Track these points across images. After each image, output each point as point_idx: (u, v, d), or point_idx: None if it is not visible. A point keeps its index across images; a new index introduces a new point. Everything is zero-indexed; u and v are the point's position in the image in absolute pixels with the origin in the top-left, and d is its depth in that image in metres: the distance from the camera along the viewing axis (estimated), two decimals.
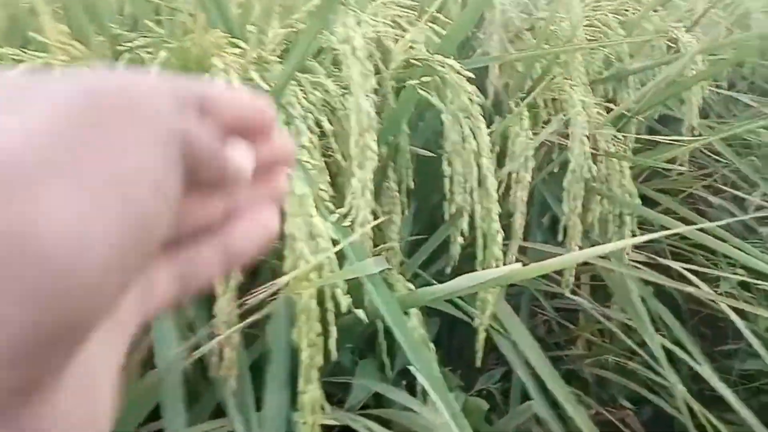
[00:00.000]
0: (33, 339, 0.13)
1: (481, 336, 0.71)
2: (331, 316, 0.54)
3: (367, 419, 0.63)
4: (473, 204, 0.68)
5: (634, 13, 1.16)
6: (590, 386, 0.96)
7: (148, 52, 0.60)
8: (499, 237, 0.69)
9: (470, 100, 0.62)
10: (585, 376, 0.96)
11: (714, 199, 1.39)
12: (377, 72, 0.71)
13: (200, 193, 0.19)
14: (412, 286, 0.67)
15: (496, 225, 0.66)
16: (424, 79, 0.63)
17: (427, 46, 0.69)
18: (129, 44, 0.59)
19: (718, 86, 1.82)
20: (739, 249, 0.76)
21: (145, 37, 0.60)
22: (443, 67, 0.62)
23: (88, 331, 0.14)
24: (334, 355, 0.55)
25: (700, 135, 1.17)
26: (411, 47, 0.65)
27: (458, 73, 0.62)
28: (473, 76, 0.61)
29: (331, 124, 0.65)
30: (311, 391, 0.54)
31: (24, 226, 0.13)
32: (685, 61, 0.86)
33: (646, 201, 1.23)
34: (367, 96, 0.63)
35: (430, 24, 0.68)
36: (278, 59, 0.64)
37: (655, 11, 1.19)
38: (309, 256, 0.52)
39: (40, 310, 0.13)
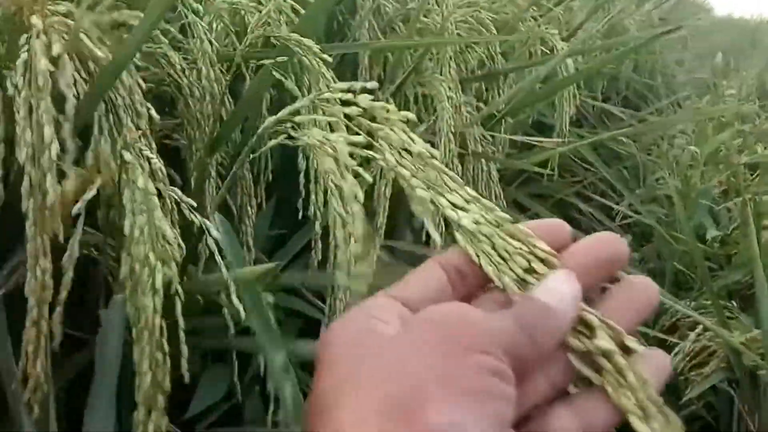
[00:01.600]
0: None
1: None
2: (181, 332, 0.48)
3: None
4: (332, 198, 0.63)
5: (508, 14, 1.17)
6: None
7: None
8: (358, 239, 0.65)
9: (328, 87, 0.58)
10: None
11: (583, 207, 1.43)
12: (234, 48, 0.66)
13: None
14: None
15: (360, 222, 0.62)
16: (279, 59, 0.58)
17: (289, 25, 0.64)
18: None
19: (593, 98, 1.90)
20: None
21: None
22: (301, 48, 0.57)
23: None
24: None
25: (569, 142, 1.20)
26: (268, 23, 0.60)
27: (317, 56, 0.57)
28: (329, 59, 0.57)
29: (174, 103, 0.59)
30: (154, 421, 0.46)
31: None
32: (556, 62, 0.86)
33: (519, 206, 1.25)
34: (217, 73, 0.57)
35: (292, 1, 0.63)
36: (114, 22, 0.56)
37: (534, 19, 1.21)
38: (152, 260, 0.45)
39: None
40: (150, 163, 0.48)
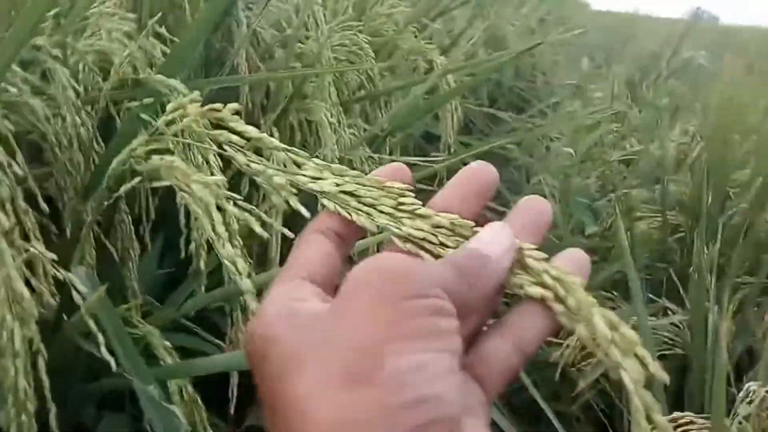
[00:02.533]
0: None
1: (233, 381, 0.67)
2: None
3: None
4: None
5: (388, 32, 1.20)
6: None
7: None
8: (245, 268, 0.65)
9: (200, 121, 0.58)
10: None
11: None
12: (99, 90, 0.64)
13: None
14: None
15: (242, 262, 0.62)
16: (146, 100, 0.57)
17: (156, 63, 0.63)
18: None
19: (480, 104, 1.97)
20: None
21: None
22: (169, 90, 0.57)
23: None
24: None
25: (455, 151, 1.24)
26: (133, 65, 0.59)
27: (183, 95, 0.57)
28: (197, 97, 0.56)
29: (41, 153, 0.57)
30: None
31: None
32: (433, 80, 0.89)
33: None
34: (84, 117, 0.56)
35: (154, 39, 0.62)
36: None
37: (414, 35, 1.24)
38: (9, 322, 0.43)
39: None
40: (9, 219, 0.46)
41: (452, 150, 1.24)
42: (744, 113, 1.36)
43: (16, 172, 0.49)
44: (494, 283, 0.26)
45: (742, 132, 1.33)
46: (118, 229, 0.65)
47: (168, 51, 0.62)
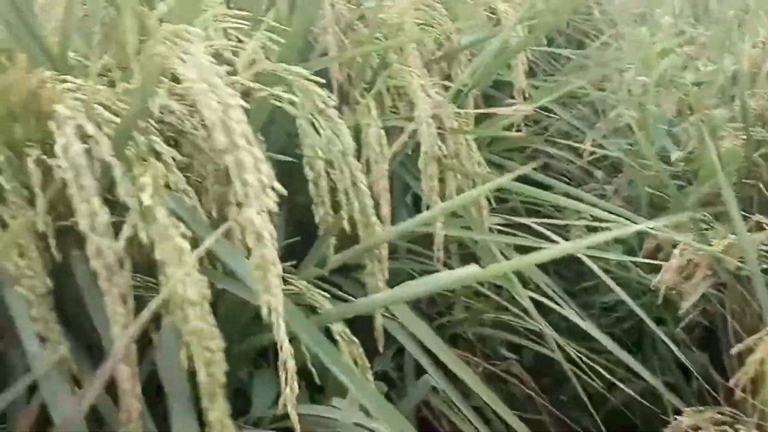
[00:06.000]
0: None
1: (378, 322, 0.74)
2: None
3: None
4: (346, 203, 0.70)
5: None
6: (474, 345, 1.03)
7: None
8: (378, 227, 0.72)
9: (325, 103, 0.64)
10: (468, 336, 1.03)
11: (553, 150, 1.52)
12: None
13: None
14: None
15: (374, 218, 0.69)
16: (275, 88, 0.63)
17: (267, 54, 0.69)
18: None
19: (539, 44, 1.97)
20: (579, 199, 0.85)
21: None
22: (290, 75, 0.63)
23: None
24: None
25: (530, 96, 1.27)
26: (254, 60, 0.65)
27: (307, 79, 0.63)
28: (323, 80, 0.63)
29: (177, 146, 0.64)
30: (217, 409, 0.53)
31: None
32: (506, 34, 0.93)
33: (494, 164, 1.33)
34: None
35: (267, 32, 0.68)
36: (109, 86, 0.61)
37: None
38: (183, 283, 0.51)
39: None
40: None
41: (526, 95, 1.27)
42: None
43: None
44: None
45: None
46: None
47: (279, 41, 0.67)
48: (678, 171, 1.22)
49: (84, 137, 0.52)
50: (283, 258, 0.87)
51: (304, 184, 0.75)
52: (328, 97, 0.65)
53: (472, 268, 0.57)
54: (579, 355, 0.88)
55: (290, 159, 0.77)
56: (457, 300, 1.02)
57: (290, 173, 0.79)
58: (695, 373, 1.00)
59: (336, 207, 0.75)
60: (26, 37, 0.60)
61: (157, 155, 0.57)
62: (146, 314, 0.49)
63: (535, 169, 1.57)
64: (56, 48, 0.66)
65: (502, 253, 0.90)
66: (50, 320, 0.54)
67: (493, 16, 1.22)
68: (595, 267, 0.87)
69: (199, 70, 0.48)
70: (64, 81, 0.58)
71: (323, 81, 0.64)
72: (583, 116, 1.54)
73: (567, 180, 1.54)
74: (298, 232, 0.87)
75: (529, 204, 1.24)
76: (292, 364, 0.54)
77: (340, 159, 0.66)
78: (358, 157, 0.88)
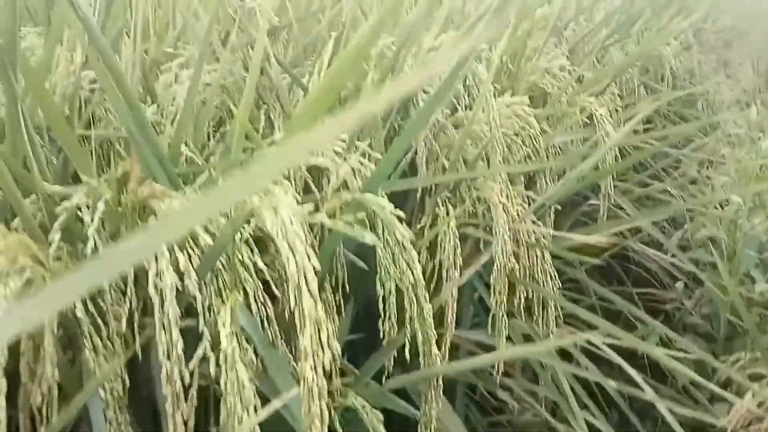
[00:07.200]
0: None
1: None
2: None
3: None
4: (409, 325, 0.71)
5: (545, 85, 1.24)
6: None
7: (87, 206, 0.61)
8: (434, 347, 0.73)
9: (402, 235, 0.66)
10: None
11: (638, 247, 1.47)
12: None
13: None
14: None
15: (435, 349, 0.70)
16: (358, 215, 0.66)
17: (359, 176, 0.73)
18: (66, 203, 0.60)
19: (635, 131, 1.94)
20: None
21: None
22: (376, 207, 0.66)
23: None
24: None
25: (615, 202, 1.26)
26: (345, 184, 0.68)
27: (389, 211, 0.66)
28: (404, 215, 0.65)
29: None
30: None
31: None
32: (600, 155, 0.93)
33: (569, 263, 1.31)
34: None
35: (361, 158, 0.71)
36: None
37: (571, 85, 1.27)
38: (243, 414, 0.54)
39: None
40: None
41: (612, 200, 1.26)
42: None
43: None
44: None
45: None
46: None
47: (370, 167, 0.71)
48: (762, 302, 1.17)
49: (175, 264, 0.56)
50: (345, 352, 0.91)
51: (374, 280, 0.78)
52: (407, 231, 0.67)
53: None
54: None
55: (364, 266, 0.80)
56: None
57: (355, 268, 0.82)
58: None
59: (402, 319, 0.77)
60: (144, 145, 0.66)
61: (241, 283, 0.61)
62: None
63: (613, 257, 1.54)
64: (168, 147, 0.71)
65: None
66: (122, 422, 0.58)
67: (588, 122, 1.22)
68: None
69: (284, 232, 0.51)
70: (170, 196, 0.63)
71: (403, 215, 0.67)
72: (661, 224, 1.50)
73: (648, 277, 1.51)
74: (364, 324, 0.89)
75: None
76: None
77: (410, 290, 0.68)
78: (431, 255, 0.90)
